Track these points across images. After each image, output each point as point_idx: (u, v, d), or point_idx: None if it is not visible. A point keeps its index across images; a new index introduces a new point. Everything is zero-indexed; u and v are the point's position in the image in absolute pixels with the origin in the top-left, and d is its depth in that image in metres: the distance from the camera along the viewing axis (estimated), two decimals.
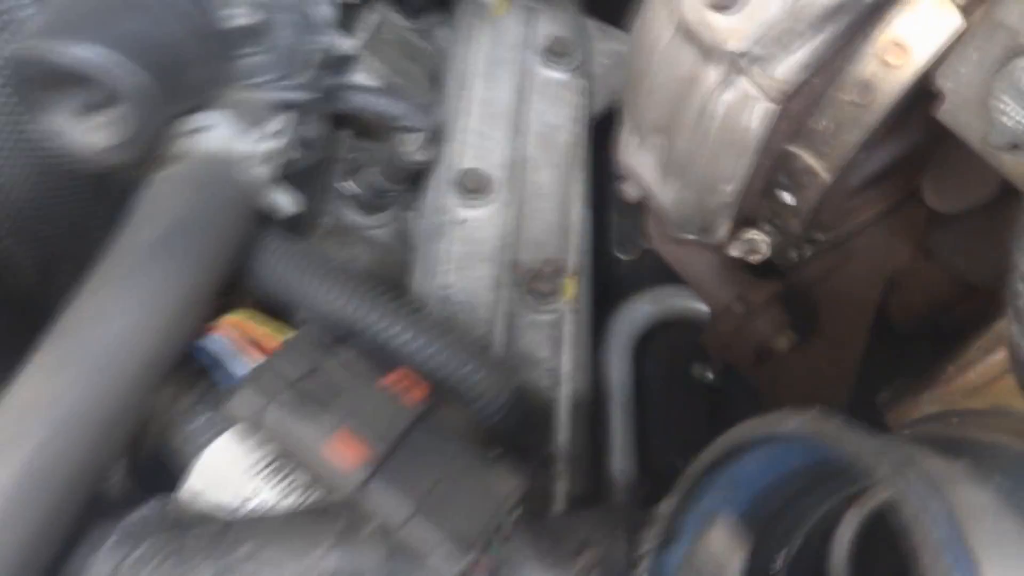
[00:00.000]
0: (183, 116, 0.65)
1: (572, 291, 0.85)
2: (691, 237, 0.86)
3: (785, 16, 0.59)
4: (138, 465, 0.61)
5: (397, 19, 1.14)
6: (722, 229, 0.80)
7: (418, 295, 0.86)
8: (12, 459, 0.50)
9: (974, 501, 0.37)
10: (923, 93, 0.61)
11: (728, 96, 0.65)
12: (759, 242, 0.79)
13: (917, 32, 0.59)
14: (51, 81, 0.55)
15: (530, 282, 0.84)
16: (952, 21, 0.57)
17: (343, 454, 0.51)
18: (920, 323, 0.99)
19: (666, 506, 0.50)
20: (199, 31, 0.60)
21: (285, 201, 0.70)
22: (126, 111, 0.56)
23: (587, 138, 0.98)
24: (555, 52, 1.00)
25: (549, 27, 1.05)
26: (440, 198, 0.91)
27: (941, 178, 0.76)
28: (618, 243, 1.29)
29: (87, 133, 0.56)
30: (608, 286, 1.28)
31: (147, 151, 0.61)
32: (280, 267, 0.64)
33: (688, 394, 1.21)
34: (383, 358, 0.59)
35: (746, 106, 0.65)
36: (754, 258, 0.81)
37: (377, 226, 1.00)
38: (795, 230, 0.78)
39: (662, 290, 1.12)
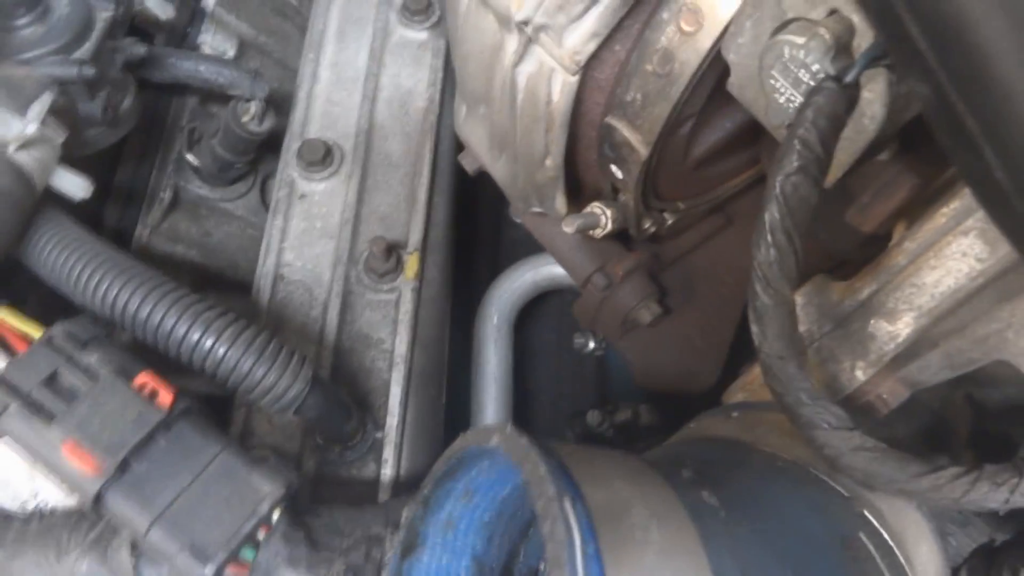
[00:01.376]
0: None
1: (414, 268, 0.82)
2: (537, 210, 0.82)
3: None
4: None
5: None
6: (558, 202, 0.76)
7: (258, 275, 0.82)
8: None
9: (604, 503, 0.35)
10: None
11: (527, 67, 0.61)
12: (599, 216, 0.76)
13: None
14: None
15: (369, 260, 0.80)
16: None
17: (77, 465, 0.49)
18: None
19: (408, 513, 0.48)
20: None
21: (72, 185, 0.66)
22: None
23: (445, 103, 0.93)
24: (412, 9, 0.94)
25: None
26: (285, 170, 0.87)
27: (774, 145, 0.72)
28: (513, 207, 1.25)
29: None
30: (505, 251, 1.25)
31: None
32: (48, 256, 0.60)
33: (574, 364, 1.19)
34: (151, 356, 0.56)
35: (545, 77, 0.60)
36: (596, 232, 0.77)
37: (232, 198, 0.95)
38: (630, 202, 0.74)
39: (541, 257, 1.09)
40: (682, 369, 0.98)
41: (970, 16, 0.23)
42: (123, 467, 0.49)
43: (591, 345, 1.11)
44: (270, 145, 0.93)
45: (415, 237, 0.83)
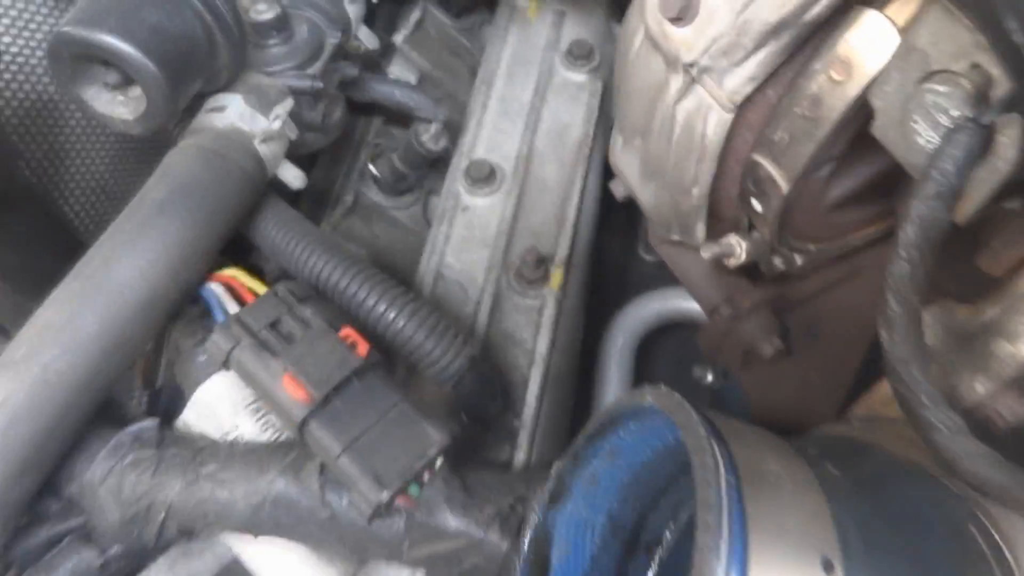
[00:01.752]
0: (206, 95, 0.75)
1: (558, 280, 0.91)
2: (676, 238, 0.90)
3: (731, 30, 0.62)
4: (153, 393, 0.72)
5: (441, 16, 1.22)
6: (699, 230, 0.84)
7: (421, 272, 0.94)
8: (26, 372, 0.61)
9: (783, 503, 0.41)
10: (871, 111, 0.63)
11: (687, 104, 0.70)
12: (734, 246, 0.82)
13: (861, 50, 0.61)
14: (80, 60, 0.66)
15: (519, 268, 0.90)
16: (892, 40, 0.59)
17: (290, 395, 0.60)
18: None
19: (557, 467, 0.55)
20: (213, 26, 0.69)
21: (291, 176, 0.79)
22: (140, 92, 0.67)
23: (597, 137, 1.03)
24: (575, 54, 1.06)
25: (574, 30, 1.10)
26: (452, 184, 0.99)
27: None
28: (643, 244, 1.33)
29: (110, 106, 0.67)
30: (631, 285, 1.33)
31: (167, 124, 0.71)
32: (272, 232, 0.73)
33: (691, 396, 1.23)
34: (347, 318, 0.67)
35: (703, 114, 0.69)
36: (730, 261, 0.84)
37: (400, 208, 1.08)
38: (766, 237, 0.80)
39: (670, 291, 1.16)
40: (799, 407, 1.02)
41: None
42: (326, 400, 0.60)
43: (709, 378, 1.15)
44: (437, 165, 1.06)
45: (562, 252, 0.92)
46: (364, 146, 1.05)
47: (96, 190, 0.93)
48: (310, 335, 0.63)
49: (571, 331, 0.92)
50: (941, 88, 0.52)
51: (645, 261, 1.31)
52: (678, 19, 0.65)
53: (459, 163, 1.00)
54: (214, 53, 0.71)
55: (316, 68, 0.81)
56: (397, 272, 1.08)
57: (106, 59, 0.64)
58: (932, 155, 0.48)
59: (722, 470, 0.38)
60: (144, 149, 0.99)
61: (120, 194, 0.96)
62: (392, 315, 0.69)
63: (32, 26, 0.77)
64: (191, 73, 0.69)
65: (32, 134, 0.78)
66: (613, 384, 1.11)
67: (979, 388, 0.52)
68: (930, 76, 0.53)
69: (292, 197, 0.92)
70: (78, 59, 0.65)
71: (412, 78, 1.11)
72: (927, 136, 0.54)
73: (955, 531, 0.46)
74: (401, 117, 1.08)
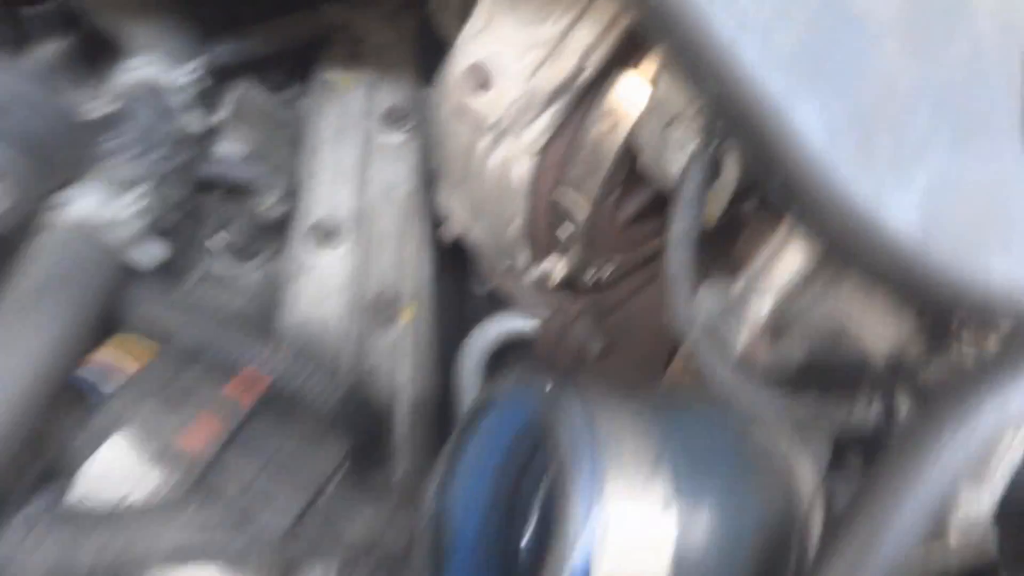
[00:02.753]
0: (56, 190, 0.80)
1: (409, 315, 1.03)
2: (505, 267, 1.05)
3: (523, 96, 0.79)
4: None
5: (260, 93, 1.31)
6: (523, 257, 0.99)
7: (281, 328, 1.01)
8: None
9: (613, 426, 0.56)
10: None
11: (497, 156, 0.85)
12: (552, 266, 0.99)
13: (622, 103, 0.79)
14: None
15: (374, 309, 1.01)
16: (644, 94, 0.78)
17: (200, 436, 0.66)
18: None
19: (446, 448, 0.67)
20: (59, 124, 0.75)
21: (147, 256, 0.85)
22: (4, 187, 0.71)
23: (424, 188, 1.16)
24: (392, 118, 1.19)
25: (388, 96, 1.23)
26: (297, 245, 1.08)
27: None
28: (475, 281, 1.48)
29: None
30: (470, 317, 1.47)
31: (24, 221, 0.75)
32: (143, 309, 0.79)
33: None
34: (228, 371, 0.75)
35: (509, 163, 0.84)
36: (551, 280, 1.00)
37: (247, 273, 1.15)
38: (577, 255, 0.97)
39: (505, 314, 1.31)
40: None
41: (743, 111, 0.47)
42: (228, 442, 0.67)
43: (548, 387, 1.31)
44: (276, 230, 1.14)
45: (408, 291, 1.04)
46: (203, 221, 1.11)
47: None
48: (202, 388, 0.70)
49: (428, 358, 1.04)
50: (679, 129, 0.71)
51: (477, 296, 1.46)
52: (479, 89, 0.80)
53: (300, 226, 1.09)
54: (64, 148, 0.77)
55: (157, 155, 0.88)
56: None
57: None
58: (679, 179, 0.65)
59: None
60: None
61: None
62: (269, 364, 0.77)
63: None
64: (48, 170, 0.74)
65: None
66: (468, 401, 1.23)
67: (741, 339, 0.70)
68: (672, 120, 0.72)
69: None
70: None
71: (241, 153, 1.19)
72: (678, 166, 0.72)
73: (741, 432, 0.63)
74: (237, 190, 1.15)
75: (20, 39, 0.78)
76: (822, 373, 0.78)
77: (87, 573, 0.67)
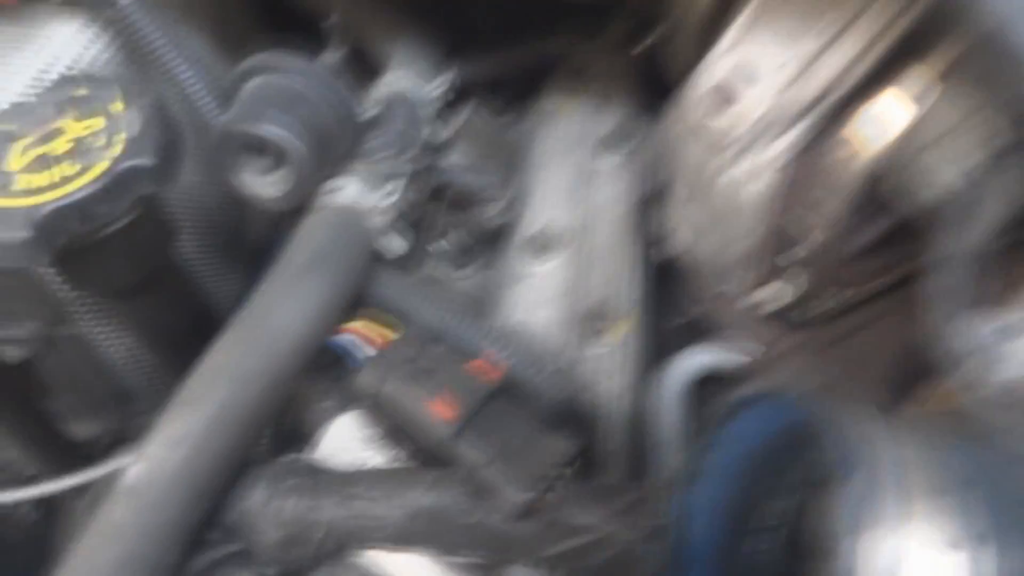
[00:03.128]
0: (327, 179, 0.89)
1: (622, 331, 1.03)
2: (724, 289, 1.03)
3: (772, 111, 0.78)
4: (280, 433, 0.81)
5: (485, 114, 1.39)
6: (743, 282, 0.97)
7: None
8: (202, 409, 0.71)
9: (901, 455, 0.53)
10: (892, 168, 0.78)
11: (737, 171, 0.84)
12: (778, 292, 0.96)
13: (880, 120, 0.77)
14: (243, 149, 0.79)
15: (586, 322, 1.02)
16: (905, 112, 0.75)
17: (442, 413, 0.70)
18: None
19: (691, 451, 0.66)
20: (341, 120, 0.84)
21: (396, 244, 0.92)
22: (289, 172, 0.80)
23: (639, 209, 1.18)
24: (611, 141, 1.22)
25: (605, 123, 1.27)
26: (515, 255, 1.12)
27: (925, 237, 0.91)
28: (674, 309, 1.47)
29: (263, 187, 0.80)
30: (665, 347, 1.45)
31: (303, 201, 0.84)
32: (391, 289, 0.85)
33: None
34: (467, 355, 0.78)
35: (748, 179, 0.84)
36: (773, 306, 0.97)
37: (463, 278, 1.20)
38: (806, 283, 0.94)
39: (710, 344, 1.28)
40: None
41: None
42: (469, 420, 0.70)
43: None
44: (495, 241, 1.19)
45: (623, 307, 1.05)
46: (433, 224, 1.19)
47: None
48: (445, 367, 0.74)
49: (636, 376, 1.04)
50: (949, 144, 0.67)
51: (675, 324, 1.44)
52: (726, 103, 0.80)
53: (519, 235, 1.13)
54: (339, 142, 0.85)
55: (411, 155, 0.95)
56: None
57: (263, 147, 0.78)
58: (953, 197, 0.62)
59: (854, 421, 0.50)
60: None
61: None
62: (505, 353, 0.80)
63: None
64: (326, 159, 0.83)
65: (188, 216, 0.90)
66: (667, 436, 1.21)
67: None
68: (942, 136, 0.68)
69: None
70: (238, 148, 0.78)
71: (467, 164, 1.26)
72: (941, 185, 0.69)
73: None
74: (461, 200, 1.22)
75: (315, 46, 0.88)
76: None
77: (322, 536, 0.71)
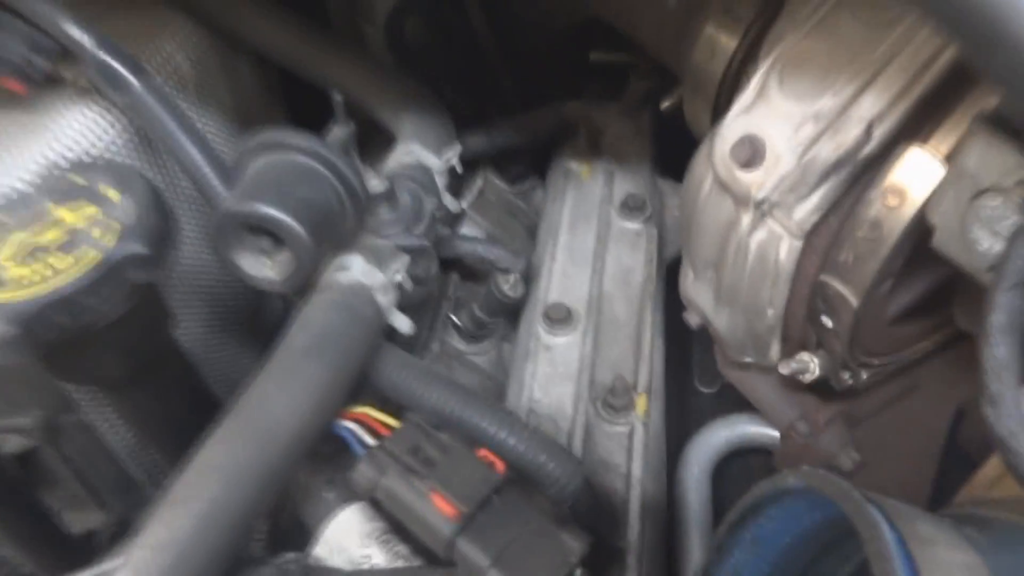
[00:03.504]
0: (331, 256, 0.86)
1: (643, 406, 0.97)
2: (749, 360, 0.97)
3: (795, 170, 0.74)
4: (279, 526, 0.76)
5: (499, 184, 1.37)
6: (773, 351, 0.91)
7: (511, 408, 1.00)
8: (193, 508, 0.66)
9: (942, 559, 0.46)
10: (927, 229, 0.73)
11: (759, 235, 0.80)
12: (808, 362, 0.90)
13: (910, 179, 0.72)
14: (244, 231, 0.77)
15: (606, 398, 0.97)
16: (936, 169, 0.70)
17: (443, 509, 0.65)
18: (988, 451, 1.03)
19: (700, 560, 0.59)
20: (347, 198, 0.81)
21: (402, 323, 0.88)
22: (289, 255, 0.77)
23: (658, 277, 1.13)
24: (629, 207, 1.18)
25: (625, 186, 1.24)
26: (531, 327, 1.07)
27: (966, 302, 0.85)
28: (700, 377, 1.40)
29: (263, 269, 0.77)
30: (692, 417, 1.38)
31: (305, 284, 0.80)
32: (395, 373, 0.81)
33: None
34: (475, 442, 0.73)
35: (774, 243, 0.79)
36: (805, 377, 0.90)
37: (478, 353, 1.16)
38: (839, 351, 0.88)
39: (737, 417, 1.22)
40: None
41: None
42: (472, 516, 0.65)
43: None
44: (511, 313, 1.15)
45: (643, 380, 0.99)
46: (445, 299, 1.15)
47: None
48: (450, 457, 0.68)
49: (658, 456, 0.97)
50: (993, 202, 0.62)
51: (702, 394, 1.38)
52: (747, 165, 0.76)
53: (535, 307, 1.09)
54: (344, 220, 0.82)
55: (420, 230, 0.92)
56: None
57: (264, 228, 0.75)
58: (1004, 253, 0.56)
59: (887, 532, 0.43)
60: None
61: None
62: (513, 440, 0.75)
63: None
64: (328, 238, 0.80)
65: (192, 298, 0.88)
66: (694, 512, 1.13)
67: None
68: (981, 194, 0.63)
69: None
70: (239, 229, 0.76)
71: (481, 235, 1.23)
72: (987, 244, 0.63)
73: None
74: (475, 272, 1.19)
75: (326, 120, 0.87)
76: None
77: None
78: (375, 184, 0.89)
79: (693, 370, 1.41)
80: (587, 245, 1.16)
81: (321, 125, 0.86)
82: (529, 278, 1.13)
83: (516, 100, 1.61)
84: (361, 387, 0.82)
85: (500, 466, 0.68)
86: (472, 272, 1.20)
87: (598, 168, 1.28)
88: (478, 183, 1.31)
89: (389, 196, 0.90)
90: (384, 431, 0.75)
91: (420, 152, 1.04)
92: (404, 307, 0.95)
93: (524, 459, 0.74)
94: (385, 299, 0.85)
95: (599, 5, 1.26)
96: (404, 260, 0.85)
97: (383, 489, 0.68)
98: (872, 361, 0.97)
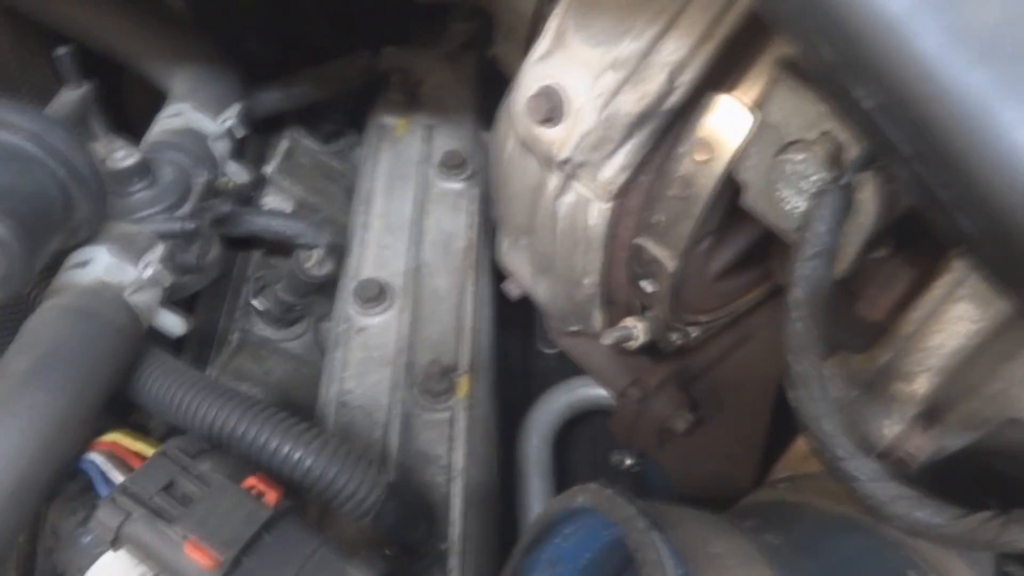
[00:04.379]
0: (68, 251, 0.71)
1: (466, 388, 0.89)
2: (575, 328, 0.90)
3: (598, 126, 0.65)
4: None
5: (310, 144, 1.22)
6: (596, 319, 0.85)
7: (323, 403, 0.89)
8: None
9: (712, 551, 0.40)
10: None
11: (567, 199, 0.72)
12: (631, 329, 0.84)
13: (718, 132, 0.65)
14: None
15: (424, 382, 0.88)
16: (744, 120, 0.64)
17: (193, 564, 0.54)
18: None
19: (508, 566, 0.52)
20: (67, 182, 0.66)
21: (171, 323, 0.74)
22: None
23: (483, 241, 1.04)
24: (449, 165, 1.08)
25: (444, 142, 1.13)
26: (343, 308, 0.96)
27: (784, 255, 0.81)
28: (542, 338, 1.34)
29: None
30: (536, 380, 1.32)
31: (20, 290, 0.65)
32: (154, 386, 0.68)
33: (613, 482, 1.22)
34: (250, 465, 0.62)
35: (583, 207, 0.71)
36: (631, 344, 0.85)
37: (288, 339, 1.04)
38: (662, 315, 0.82)
39: (577, 381, 1.16)
40: (720, 475, 1.03)
41: (927, 116, 0.33)
42: (236, 563, 0.54)
43: (628, 461, 1.15)
44: (324, 291, 1.03)
45: (464, 360, 0.91)
46: (245, 281, 1.02)
47: None
48: (210, 493, 0.57)
49: (486, 439, 0.90)
50: (798, 157, 0.56)
51: (546, 355, 1.32)
52: (547, 121, 0.67)
53: (347, 285, 0.98)
54: (71, 208, 0.67)
55: (185, 210, 0.78)
56: (296, 406, 1.03)
57: None
58: (803, 219, 0.51)
59: (669, 562, 0.37)
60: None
61: None
62: (297, 455, 0.64)
63: None
64: (48, 232, 0.65)
65: None
66: (535, 486, 1.08)
67: (887, 431, 0.54)
68: (786, 147, 0.57)
69: (173, 344, 0.87)
70: None
71: (288, 207, 1.10)
72: (794, 202, 0.57)
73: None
74: (281, 247, 1.06)
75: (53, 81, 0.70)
76: (990, 475, 0.60)
77: None
78: (122, 157, 0.74)
79: (536, 331, 1.34)
80: (404, 211, 1.05)
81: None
82: (338, 252, 1.01)
83: (335, 49, 1.44)
84: (118, 408, 0.69)
85: (272, 496, 0.58)
86: (279, 248, 1.07)
87: (416, 123, 1.16)
88: (283, 145, 1.17)
89: (141, 171, 0.75)
90: (137, 463, 0.62)
91: (191, 115, 0.89)
92: (180, 300, 0.82)
93: (311, 476, 0.64)
94: (141, 298, 0.71)
95: None
96: (160, 249, 0.71)
97: (127, 538, 0.56)
98: (700, 319, 0.93)
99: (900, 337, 0.54)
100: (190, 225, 0.76)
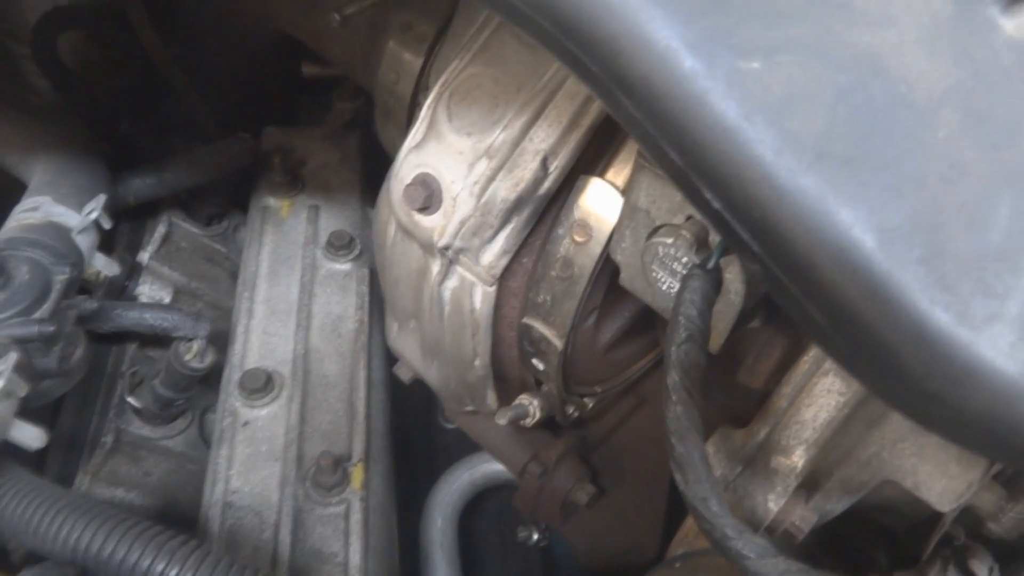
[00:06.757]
0: None
1: (360, 478, 0.86)
2: (470, 409, 0.89)
3: (475, 212, 0.66)
4: None
5: (189, 227, 1.18)
6: (490, 399, 0.84)
7: (205, 505, 0.84)
8: None
9: None
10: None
11: (451, 283, 0.71)
12: (527, 406, 0.83)
13: (593, 214, 0.67)
14: None
15: (315, 476, 0.84)
16: (616, 200, 0.65)
17: None
18: None
19: None
20: None
21: (29, 436, 0.68)
22: None
23: (375, 321, 1.02)
24: (337, 245, 1.06)
25: (331, 222, 1.11)
26: (227, 400, 0.91)
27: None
28: (443, 413, 1.32)
29: None
30: (439, 456, 1.29)
31: None
32: (8, 509, 0.62)
33: (521, 558, 1.20)
34: None
35: (467, 291, 0.71)
36: (527, 422, 0.84)
37: (169, 436, 0.98)
38: (556, 390, 0.82)
39: (476, 458, 1.15)
40: (626, 545, 1.02)
41: (767, 218, 0.34)
42: None
43: (535, 536, 1.13)
44: (208, 381, 0.98)
45: (358, 448, 0.88)
46: (119, 376, 0.95)
47: None
48: None
49: (385, 530, 0.86)
50: (667, 240, 0.58)
51: (448, 429, 1.29)
52: (425, 208, 0.67)
53: (231, 375, 0.93)
54: None
55: (44, 310, 0.73)
56: (179, 509, 0.96)
57: None
58: (675, 302, 0.52)
59: None
60: None
61: None
62: (173, 572, 0.60)
63: None
64: None
65: None
66: (442, 571, 1.04)
67: (772, 505, 0.55)
68: (656, 231, 0.59)
69: (35, 456, 0.80)
70: None
71: (166, 295, 1.05)
72: (668, 283, 0.59)
73: None
74: (158, 339, 1.00)
75: None
76: (876, 529, 0.62)
77: None
78: None
79: (436, 406, 1.32)
80: (290, 295, 1.02)
81: None
82: (221, 340, 0.97)
83: (219, 129, 1.40)
84: None
85: None
86: (156, 340, 1.01)
87: (300, 204, 1.14)
88: (160, 230, 1.12)
89: (2, 269, 0.70)
90: None
91: (51, 207, 0.84)
92: (40, 408, 0.76)
93: None
94: None
95: (282, 22, 1.12)
96: (13, 357, 0.66)
97: None
98: (594, 389, 0.93)
99: (775, 412, 0.56)
100: (48, 328, 0.71)
